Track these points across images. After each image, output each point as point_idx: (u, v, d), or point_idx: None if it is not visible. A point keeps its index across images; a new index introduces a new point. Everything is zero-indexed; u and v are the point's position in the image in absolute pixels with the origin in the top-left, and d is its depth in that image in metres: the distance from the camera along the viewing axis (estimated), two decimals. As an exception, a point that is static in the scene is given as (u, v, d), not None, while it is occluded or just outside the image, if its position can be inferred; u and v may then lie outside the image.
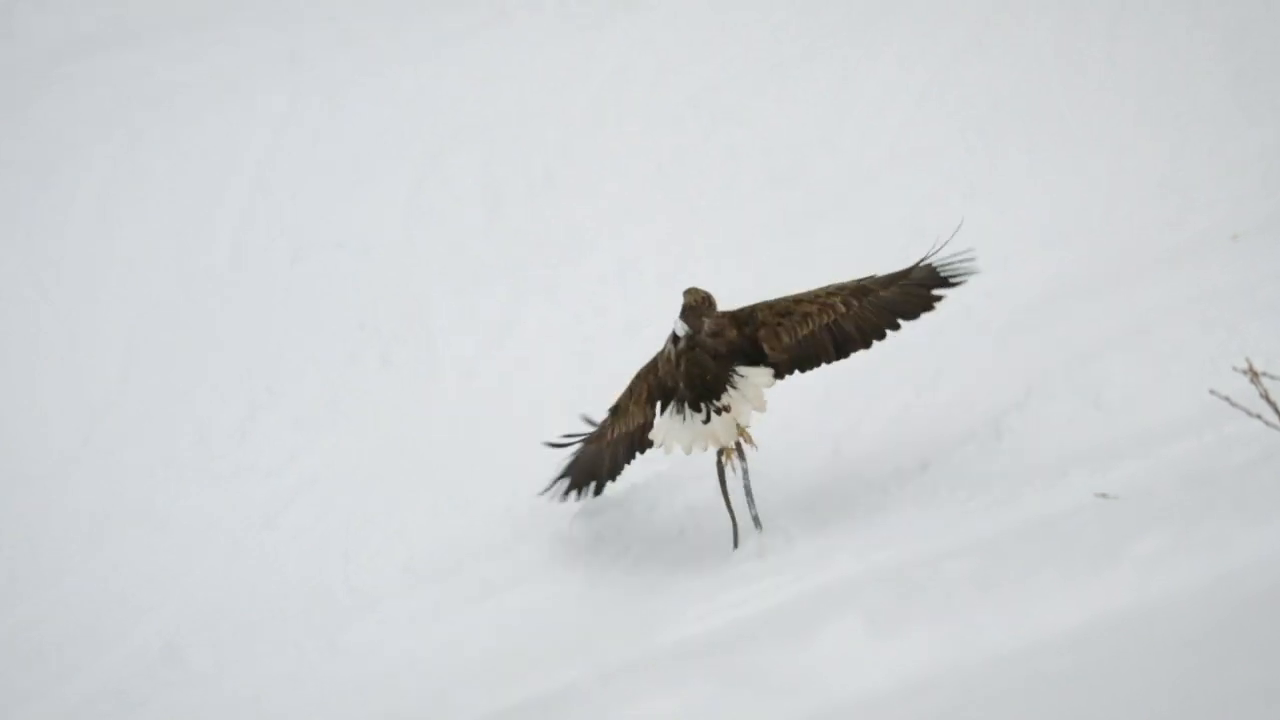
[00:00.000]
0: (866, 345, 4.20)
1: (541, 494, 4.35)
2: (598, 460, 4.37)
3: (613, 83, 5.97)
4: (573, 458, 4.40)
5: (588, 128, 5.75)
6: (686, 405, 4.16)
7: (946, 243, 4.19)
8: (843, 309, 4.22)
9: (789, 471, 4.26)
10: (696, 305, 4.20)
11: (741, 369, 4.21)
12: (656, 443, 4.27)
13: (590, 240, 5.18)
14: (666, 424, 4.22)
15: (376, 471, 4.74)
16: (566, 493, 4.36)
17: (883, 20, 6.05)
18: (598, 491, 4.37)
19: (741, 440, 4.29)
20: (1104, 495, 3.42)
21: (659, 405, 4.30)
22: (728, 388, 4.17)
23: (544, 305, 4.99)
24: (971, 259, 4.22)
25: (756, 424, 4.27)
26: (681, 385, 4.22)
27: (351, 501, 4.71)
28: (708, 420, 4.11)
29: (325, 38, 6.69)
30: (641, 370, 4.37)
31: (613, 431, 4.35)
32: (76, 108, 6.79)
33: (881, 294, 4.22)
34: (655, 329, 4.86)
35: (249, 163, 5.99)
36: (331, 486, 4.73)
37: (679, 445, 4.25)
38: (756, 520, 4.29)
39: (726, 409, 4.14)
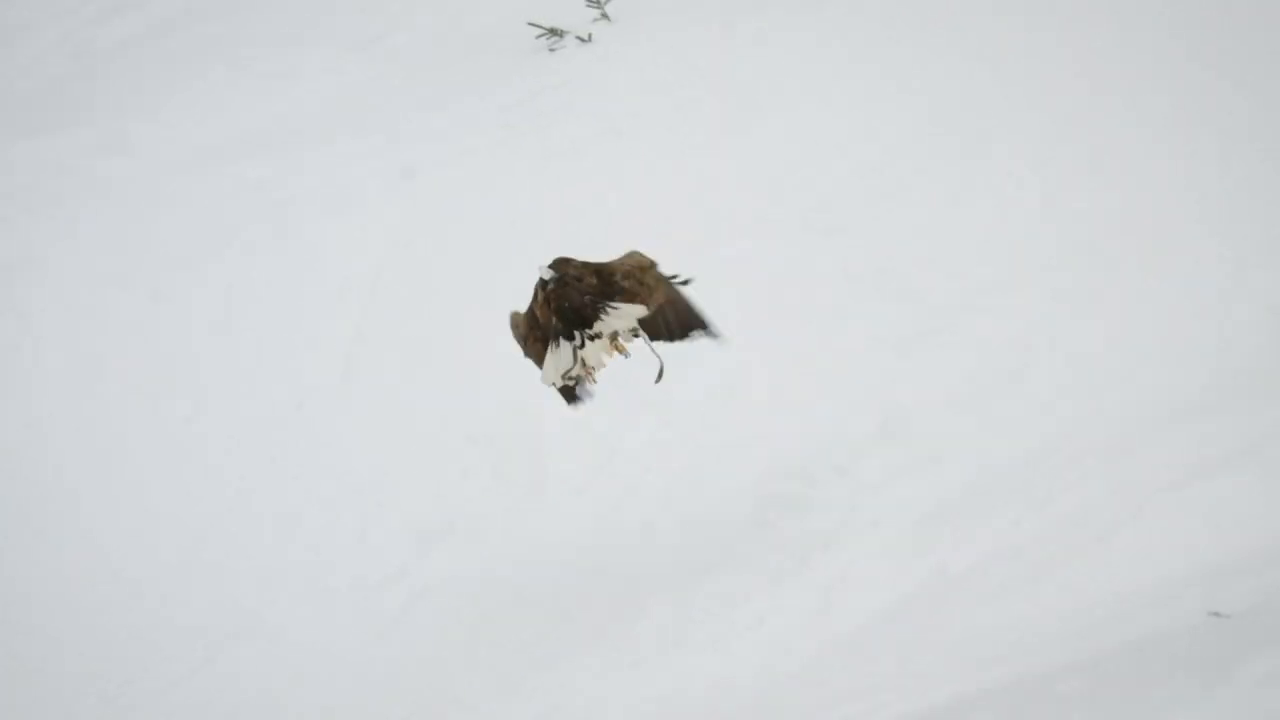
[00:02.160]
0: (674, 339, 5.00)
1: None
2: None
3: (724, 199, 6.41)
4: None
5: (698, 244, 6.11)
6: (561, 338, 4.82)
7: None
8: (671, 295, 5.05)
9: (886, 583, 4.67)
10: (564, 259, 4.99)
11: (613, 304, 4.93)
12: (545, 382, 4.92)
13: (699, 357, 5.53)
14: (549, 361, 4.91)
15: (487, 586, 5.15)
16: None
17: (996, 138, 6.44)
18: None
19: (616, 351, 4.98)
20: (1217, 614, 3.72)
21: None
22: (600, 317, 4.84)
23: (653, 422, 5.39)
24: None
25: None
26: (554, 320, 4.92)
27: (464, 616, 5.10)
28: (581, 346, 4.85)
29: (437, 152, 7.26)
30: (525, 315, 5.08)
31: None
32: (192, 221, 7.40)
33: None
34: (766, 443, 5.33)
35: (362, 276, 6.52)
36: (443, 601, 5.15)
37: (555, 373, 4.91)
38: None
39: (598, 336, 4.80)
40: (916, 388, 5.30)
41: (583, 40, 8.06)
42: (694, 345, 5.15)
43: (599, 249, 6.16)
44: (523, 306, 5.01)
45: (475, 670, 4.97)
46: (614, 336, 4.97)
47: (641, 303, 4.98)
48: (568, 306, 4.95)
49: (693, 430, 5.41)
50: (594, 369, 5.01)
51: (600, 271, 5.06)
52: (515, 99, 7.64)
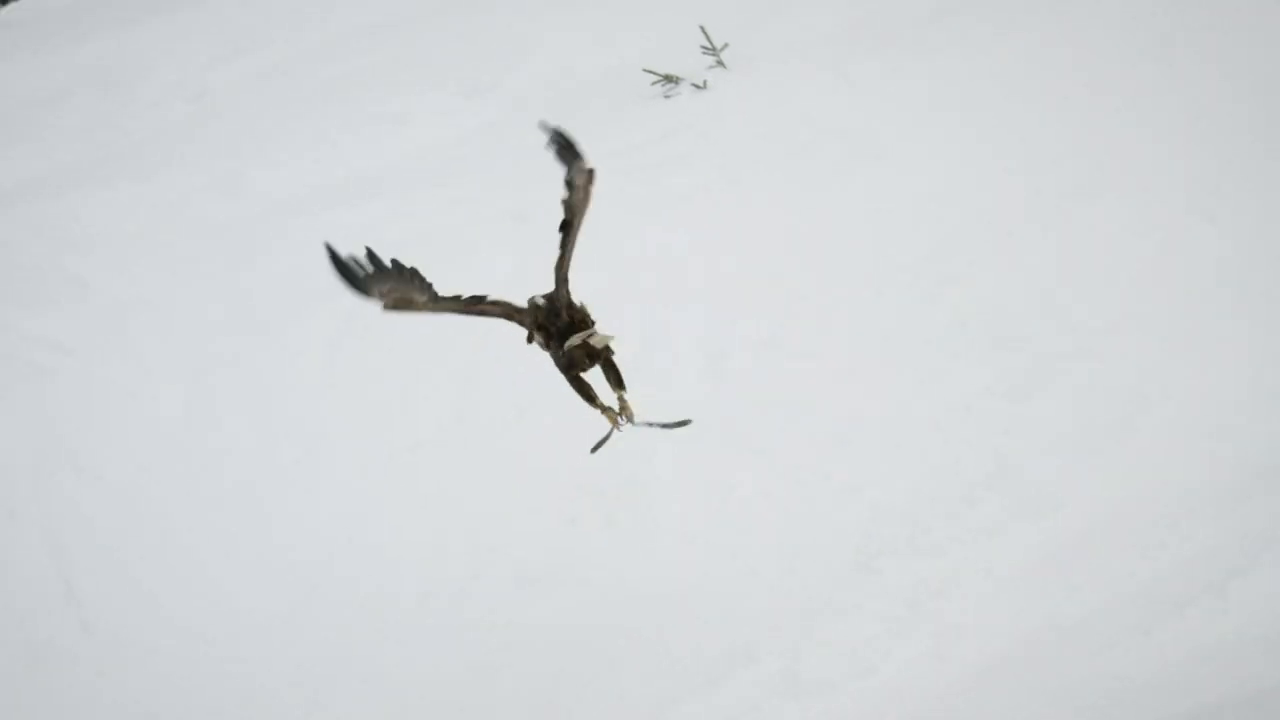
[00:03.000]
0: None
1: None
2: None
3: (836, 247, 6.53)
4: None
5: (812, 290, 6.27)
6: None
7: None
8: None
9: (997, 631, 4.79)
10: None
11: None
12: (566, 347, 4.94)
13: (810, 402, 5.64)
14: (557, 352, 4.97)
15: (595, 631, 5.26)
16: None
17: (1107, 187, 6.49)
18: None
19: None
20: (1335, 666, 3.85)
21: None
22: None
23: (763, 467, 5.49)
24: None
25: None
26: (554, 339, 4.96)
27: (571, 663, 5.22)
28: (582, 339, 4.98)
29: (549, 198, 7.47)
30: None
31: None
32: (303, 263, 7.46)
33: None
34: (877, 490, 5.43)
35: (475, 324, 6.73)
36: (550, 645, 5.28)
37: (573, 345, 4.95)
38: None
39: (593, 334, 5.00)
40: (1028, 435, 5.40)
41: (698, 87, 8.24)
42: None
43: (709, 293, 6.36)
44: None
45: (581, 713, 5.14)
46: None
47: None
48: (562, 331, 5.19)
49: (804, 477, 5.49)
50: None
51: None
52: (629, 144, 7.80)
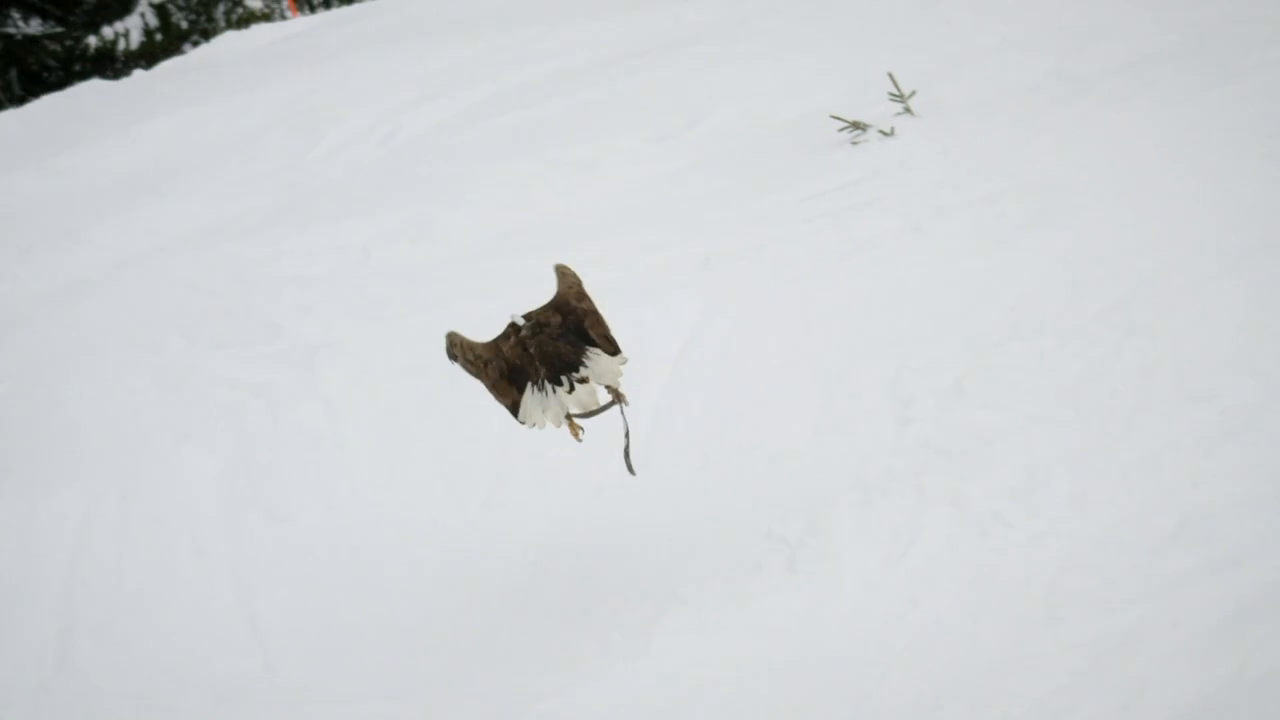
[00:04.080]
0: None
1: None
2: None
3: (1025, 296, 6.65)
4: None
5: (999, 340, 6.41)
6: (547, 383, 5.46)
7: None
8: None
9: (1184, 686, 4.88)
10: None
11: (591, 351, 5.57)
12: (527, 423, 5.55)
13: (996, 452, 5.81)
14: (534, 403, 5.53)
15: (779, 678, 5.36)
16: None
17: None
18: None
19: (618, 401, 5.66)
20: None
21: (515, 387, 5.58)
22: (582, 363, 5.51)
23: (949, 517, 5.63)
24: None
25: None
26: (538, 365, 5.51)
27: (757, 712, 5.31)
28: (571, 390, 5.46)
29: (736, 244, 7.63)
30: (480, 358, 5.69)
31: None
32: (492, 308, 7.53)
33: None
34: (1063, 541, 5.55)
35: (662, 366, 6.97)
36: (732, 694, 5.37)
37: (548, 419, 5.54)
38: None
39: (585, 380, 5.46)
40: (1217, 488, 5.45)
41: (885, 134, 8.41)
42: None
43: (894, 340, 6.54)
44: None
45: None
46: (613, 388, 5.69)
47: (604, 335, 5.71)
48: (551, 352, 5.60)
49: (989, 527, 5.61)
50: (584, 415, 5.70)
51: (559, 307, 5.73)
52: (816, 191, 7.99)
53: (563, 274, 5.83)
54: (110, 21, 29.34)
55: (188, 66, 19.32)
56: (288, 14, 27.51)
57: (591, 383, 5.64)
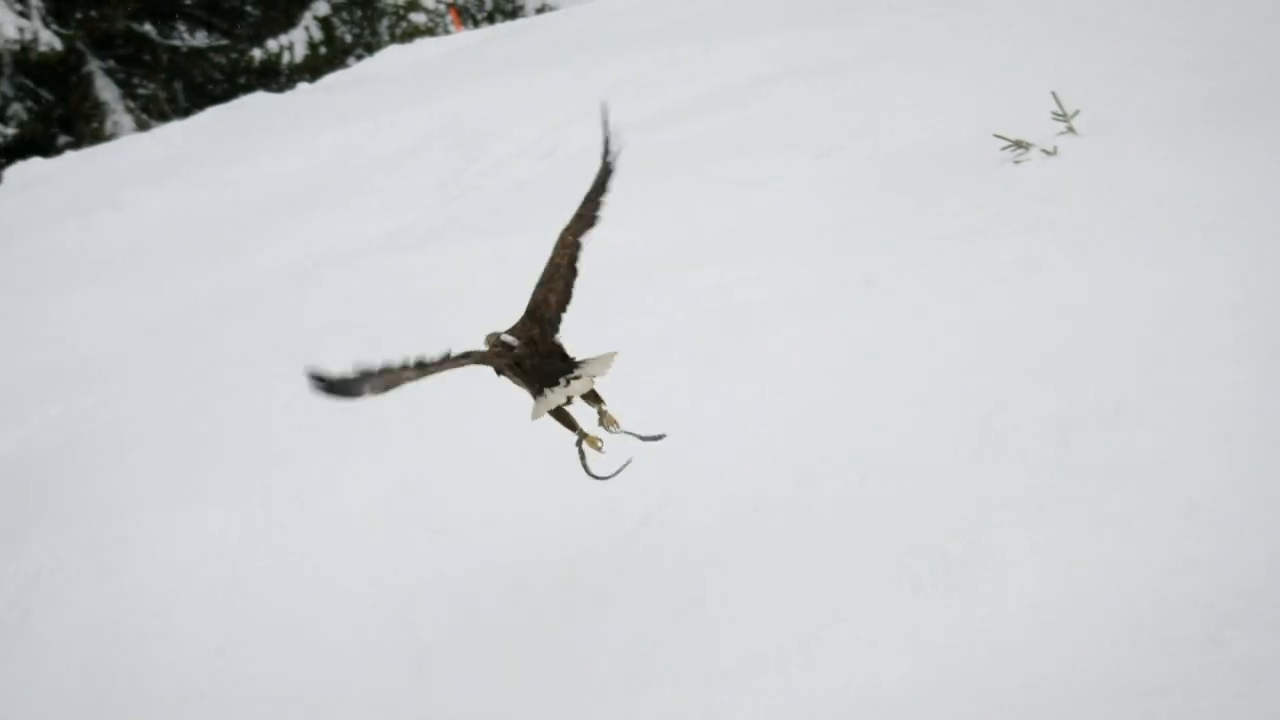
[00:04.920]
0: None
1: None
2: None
3: (1191, 317, 6.67)
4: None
5: (1162, 360, 6.45)
6: (545, 389, 5.83)
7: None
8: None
9: None
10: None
11: (581, 359, 5.97)
12: (532, 418, 5.87)
13: (1163, 472, 5.85)
14: (535, 407, 5.85)
15: (936, 696, 5.45)
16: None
17: None
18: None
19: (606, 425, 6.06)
20: None
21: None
22: (575, 370, 5.92)
23: (1112, 538, 5.68)
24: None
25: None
26: (534, 379, 5.88)
27: None
28: (567, 385, 5.82)
29: (899, 260, 7.71)
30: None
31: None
32: (655, 325, 8.08)
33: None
34: (1228, 565, 5.47)
35: (822, 383, 7.06)
36: (890, 712, 5.47)
37: (546, 411, 5.88)
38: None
39: (578, 377, 5.82)
40: None
41: (1047, 153, 8.45)
42: None
43: (1059, 359, 6.59)
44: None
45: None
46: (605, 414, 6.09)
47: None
48: (548, 371, 5.98)
49: (1154, 548, 5.66)
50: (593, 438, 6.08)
51: (531, 315, 6.16)
52: (978, 209, 8.03)
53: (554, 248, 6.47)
54: (275, 35, 29.97)
55: (351, 80, 19.74)
56: (451, 29, 27.96)
57: (584, 378, 5.98)
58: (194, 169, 15.53)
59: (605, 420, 6.11)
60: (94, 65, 30.04)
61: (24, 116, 29.57)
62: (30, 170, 19.41)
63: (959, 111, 9.67)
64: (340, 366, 5.37)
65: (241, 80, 29.86)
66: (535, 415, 5.96)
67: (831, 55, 11.73)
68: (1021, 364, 6.74)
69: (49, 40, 28.44)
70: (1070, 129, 8.63)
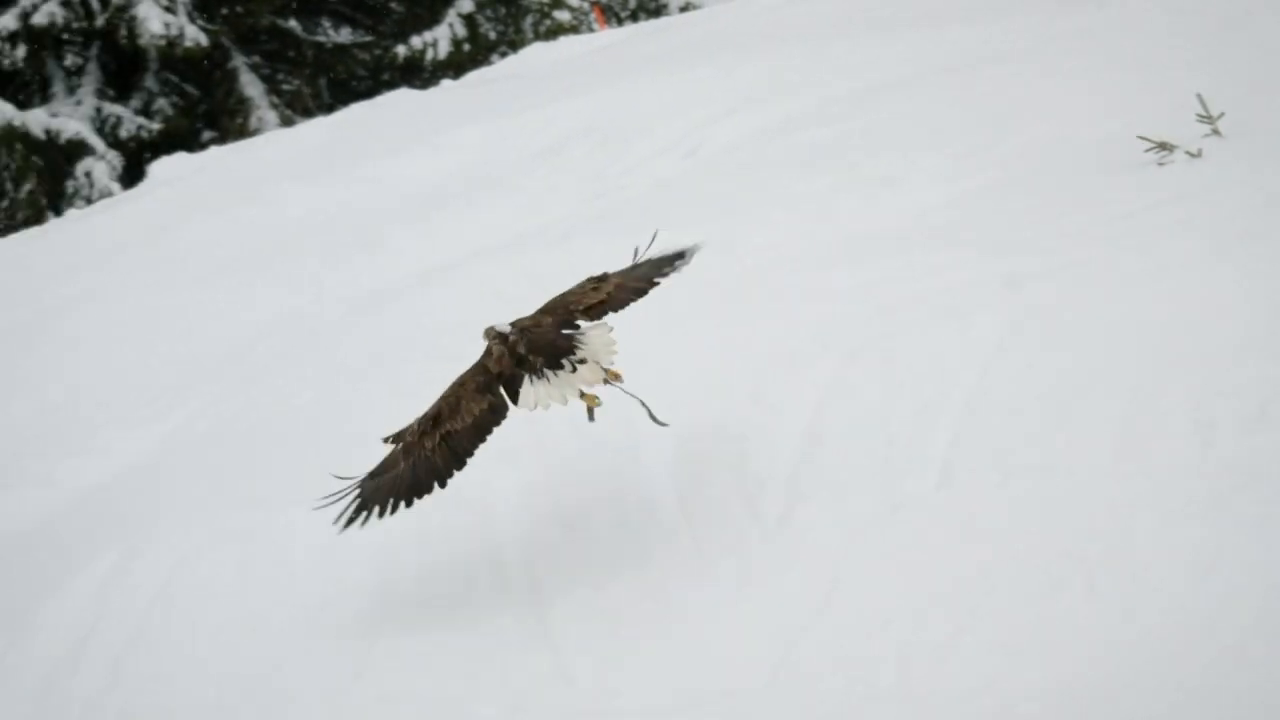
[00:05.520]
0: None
1: (341, 527, 6.44)
2: (418, 470, 6.36)
3: None
4: (361, 490, 6.45)
5: None
6: (546, 369, 6.13)
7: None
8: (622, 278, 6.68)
9: None
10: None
11: (582, 324, 6.41)
12: (529, 407, 6.23)
13: None
14: (533, 390, 6.21)
15: (1083, 703, 5.50)
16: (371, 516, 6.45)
17: None
18: (429, 490, 6.40)
19: (610, 379, 6.41)
20: None
21: (503, 389, 6.32)
22: (576, 345, 6.26)
23: (1254, 540, 5.71)
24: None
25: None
26: (531, 358, 6.22)
27: None
28: (574, 370, 6.17)
29: (1041, 262, 7.78)
30: (454, 384, 6.38)
31: (431, 437, 6.32)
32: (793, 323, 8.15)
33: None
34: None
35: (962, 384, 7.11)
36: (1033, 715, 5.53)
37: (554, 401, 6.24)
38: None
39: (584, 361, 6.15)
40: None
41: (1192, 156, 8.43)
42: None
43: (1197, 361, 6.59)
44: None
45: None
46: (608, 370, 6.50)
47: (601, 304, 6.66)
48: (544, 343, 6.37)
49: None
50: (594, 395, 6.54)
51: (551, 310, 6.60)
52: (1122, 212, 8.03)
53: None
54: (419, 31, 30.30)
55: (495, 77, 19.91)
56: (595, 27, 28.13)
57: (591, 362, 6.37)
58: (337, 165, 15.75)
59: (609, 376, 6.57)
60: (239, 61, 30.52)
61: (169, 112, 30.10)
62: (175, 165, 19.75)
63: (1095, 112, 9.66)
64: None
65: (385, 77, 30.20)
66: (527, 403, 6.39)
67: (972, 54, 11.73)
68: (1161, 367, 6.75)
69: (194, 36, 28.92)
70: (1215, 131, 8.60)
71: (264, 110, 30.11)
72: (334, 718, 6.81)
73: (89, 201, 27.26)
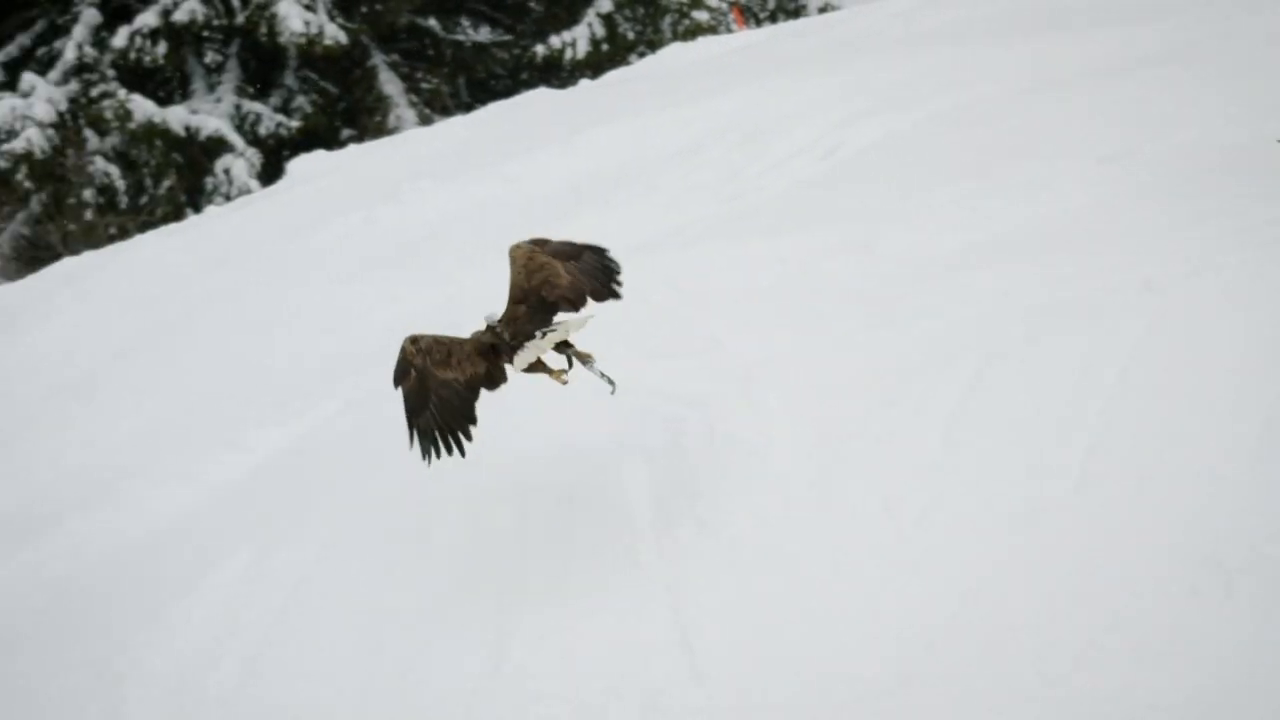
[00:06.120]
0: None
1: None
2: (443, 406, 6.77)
3: None
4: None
5: None
6: (525, 343, 6.67)
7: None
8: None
9: None
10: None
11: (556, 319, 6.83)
12: (518, 367, 6.74)
13: None
14: (519, 358, 6.69)
15: (1226, 707, 5.57)
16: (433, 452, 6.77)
17: None
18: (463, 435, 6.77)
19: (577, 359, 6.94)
20: None
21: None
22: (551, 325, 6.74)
23: None
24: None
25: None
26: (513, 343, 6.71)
27: None
28: (543, 336, 6.64)
29: (1182, 267, 7.82)
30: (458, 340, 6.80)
31: (437, 374, 6.77)
32: (939, 326, 8.21)
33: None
34: None
35: (1101, 387, 7.14)
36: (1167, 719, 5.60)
37: (533, 357, 6.72)
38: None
39: (553, 330, 6.67)
40: None
41: (1343, 165, 8.43)
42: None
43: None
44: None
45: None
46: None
47: (564, 295, 7.07)
48: (524, 332, 6.85)
49: None
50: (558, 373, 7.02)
51: (520, 299, 7.04)
52: (1265, 217, 8.02)
53: (512, 259, 7.17)
54: (558, 31, 30.48)
55: (633, 77, 20.01)
56: (734, 27, 28.18)
57: (558, 329, 6.86)
58: (475, 164, 15.90)
59: (582, 357, 7.11)
60: (378, 59, 30.88)
61: (308, 110, 30.50)
62: (314, 163, 20.00)
63: (1247, 117, 9.61)
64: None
65: (524, 76, 30.44)
66: (518, 366, 6.83)
67: (1117, 58, 11.70)
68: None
69: (334, 34, 29.28)
70: (1368, 141, 8.57)
71: (402, 109, 30.43)
72: (471, 716, 6.91)
73: (228, 198, 27.68)
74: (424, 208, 15.01)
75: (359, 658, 7.50)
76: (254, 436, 10.59)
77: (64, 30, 30.12)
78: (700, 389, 8.29)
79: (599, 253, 7.42)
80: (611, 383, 7.25)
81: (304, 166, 20.15)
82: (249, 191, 27.42)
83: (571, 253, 7.33)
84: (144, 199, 28.92)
